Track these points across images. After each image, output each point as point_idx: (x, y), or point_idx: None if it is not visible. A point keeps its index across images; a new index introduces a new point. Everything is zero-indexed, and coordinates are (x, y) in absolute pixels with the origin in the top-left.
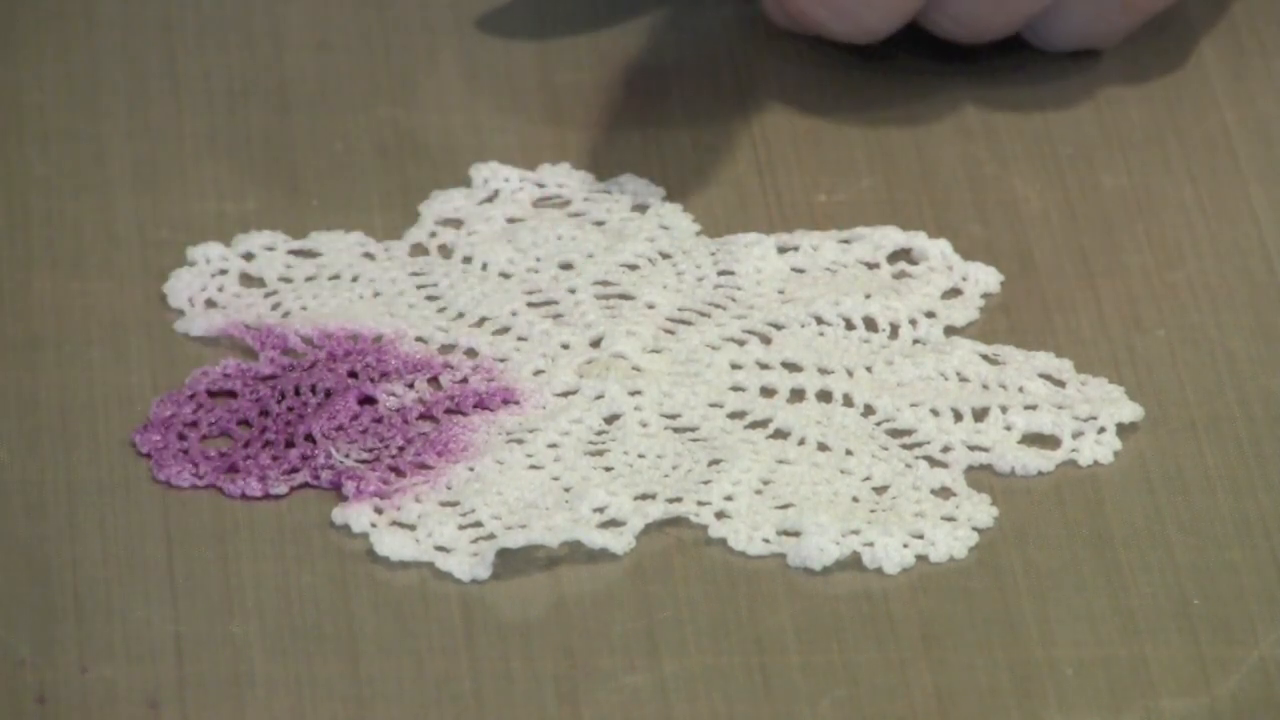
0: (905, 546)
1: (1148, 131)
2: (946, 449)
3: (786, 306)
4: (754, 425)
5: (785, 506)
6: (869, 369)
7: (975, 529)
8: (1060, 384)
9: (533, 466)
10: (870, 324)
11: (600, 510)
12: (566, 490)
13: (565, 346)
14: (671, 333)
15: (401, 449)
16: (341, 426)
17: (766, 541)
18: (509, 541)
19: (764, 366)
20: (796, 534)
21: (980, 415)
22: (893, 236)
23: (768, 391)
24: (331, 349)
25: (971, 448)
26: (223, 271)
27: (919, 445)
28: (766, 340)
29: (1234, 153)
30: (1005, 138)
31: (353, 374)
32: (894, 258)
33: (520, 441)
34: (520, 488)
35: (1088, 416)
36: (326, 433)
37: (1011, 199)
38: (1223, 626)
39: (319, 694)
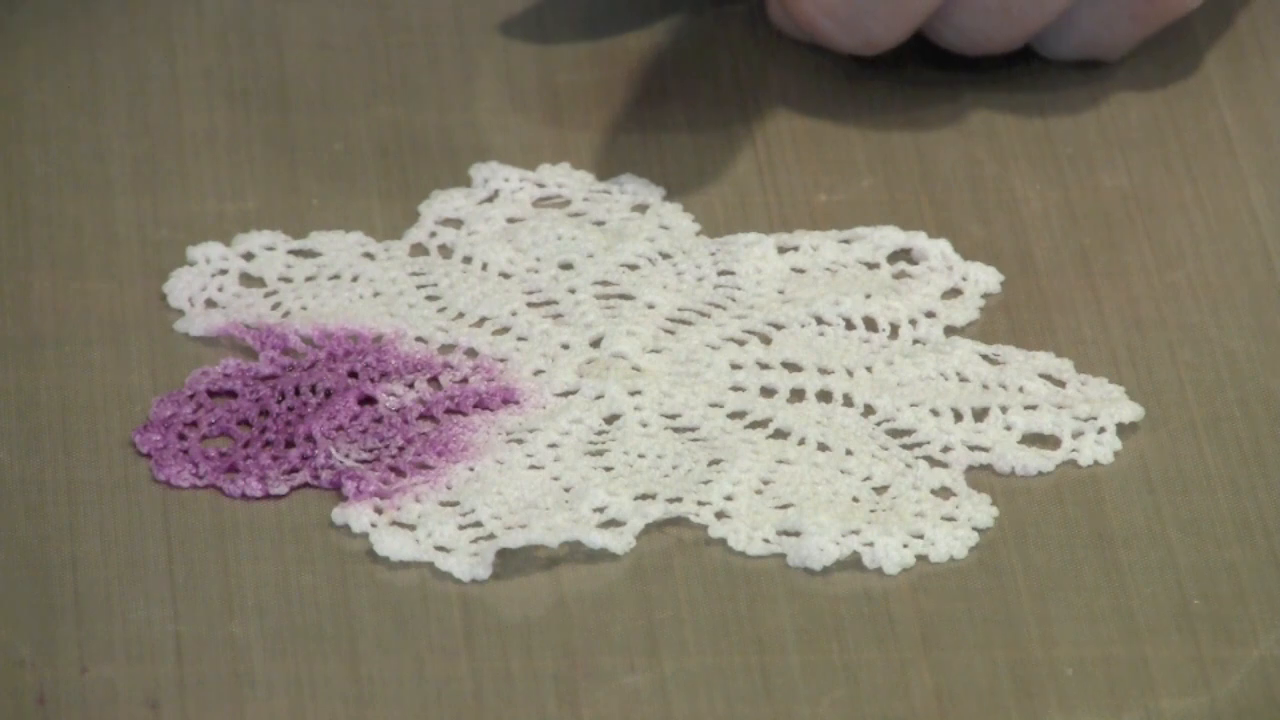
0: (905, 546)
1: (1148, 131)
2: (946, 449)
3: (786, 306)
4: (754, 425)
5: (785, 506)
6: (869, 369)
7: (975, 529)
8: (1060, 384)
9: (533, 466)
10: (870, 324)
11: (600, 510)
12: (566, 490)
13: (565, 346)
14: (671, 333)
15: (401, 449)
16: (341, 426)
17: (766, 541)
18: (509, 541)
19: (764, 366)
20: (796, 534)
21: (980, 415)
22: (893, 236)
23: (768, 391)
24: (331, 349)
25: (971, 448)
26: (223, 271)
27: (919, 445)
28: (766, 340)
29: (1234, 153)
30: (1005, 138)
31: (353, 374)
32: (894, 258)
33: (520, 441)
34: (520, 488)
35: (1088, 416)
36: (326, 433)
37: (1011, 199)
38: (1223, 626)
39: (319, 694)
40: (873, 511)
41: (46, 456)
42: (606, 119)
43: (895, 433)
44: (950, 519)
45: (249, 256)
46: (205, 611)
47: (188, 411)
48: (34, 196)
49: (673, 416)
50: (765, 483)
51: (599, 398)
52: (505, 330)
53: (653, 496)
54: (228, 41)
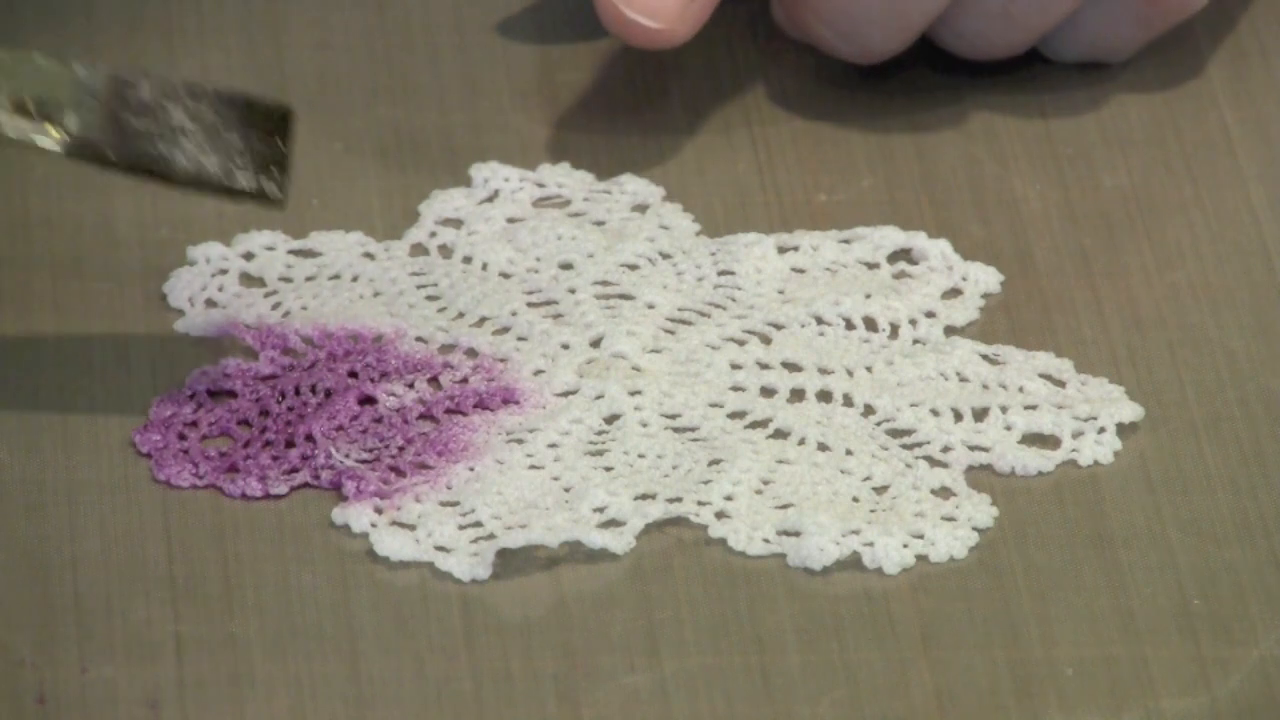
0: (905, 546)
1: (1148, 132)
2: (946, 449)
3: (786, 306)
4: (754, 425)
5: (785, 506)
6: (869, 369)
7: (975, 529)
8: (1060, 384)
9: (533, 466)
10: (870, 324)
11: (600, 510)
12: (566, 490)
13: (565, 346)
14: (671, 333)
15: (401, 449)
16: (341, 426)
17: (766, 541)
18: (509, 541)
19: (764, 366)
20: (796, 534)
21: (980, 415)
22: (893, 236)
23: (768, 391)
24: (331, 349)
25: (971, 448)
26: (223, 271)
27: (919, 445)
28: (766, 340)
29: (1234, 153)
30: (1005, 138)
31: (353, 374)
32: (894, 258)
33: (520, 441)
34: (520, 488)
35: (1088, 416)
36: (326, 433)
37: (1011, 199)
38: (1223, 626)
39: (319, 694)
40: (873, 511)
41: (46, 456)
42: (606, 119)
43: (895, 433)
44: (950, 519)
45: (249, 256)
46: (205, 611)
47: (188, 411)
48: (34, 196)
49: (673, 416)
50: (765, 483)
51: (599, 398)
52: (505, 330)
53: (653, 496)
54: (228, 41)
